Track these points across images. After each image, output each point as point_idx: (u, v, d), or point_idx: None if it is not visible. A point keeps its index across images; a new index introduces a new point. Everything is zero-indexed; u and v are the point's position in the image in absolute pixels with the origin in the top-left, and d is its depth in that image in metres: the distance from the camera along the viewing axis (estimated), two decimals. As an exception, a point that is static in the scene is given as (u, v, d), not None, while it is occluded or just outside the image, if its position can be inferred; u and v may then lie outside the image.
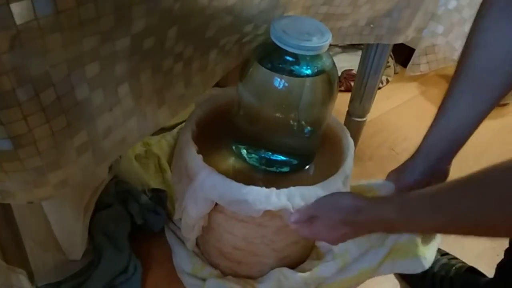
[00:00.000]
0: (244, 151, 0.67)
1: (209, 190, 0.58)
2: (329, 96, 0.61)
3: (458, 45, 0.85)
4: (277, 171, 0.67)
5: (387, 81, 1.38)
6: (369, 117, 1.32)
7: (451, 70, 1.65)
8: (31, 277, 0.61)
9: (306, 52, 0.55)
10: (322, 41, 0.55)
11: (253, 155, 0.66)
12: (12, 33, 0.32)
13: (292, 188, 0.57)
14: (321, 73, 0.59)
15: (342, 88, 1.29)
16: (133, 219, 0.79)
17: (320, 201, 0.55)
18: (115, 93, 0.47)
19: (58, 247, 0.67)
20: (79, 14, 0.36)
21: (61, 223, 0.66)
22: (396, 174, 0.61)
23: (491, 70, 0.52)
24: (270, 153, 0.65)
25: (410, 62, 0.93)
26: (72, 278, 0.69)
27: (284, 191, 0.57)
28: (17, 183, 0.42)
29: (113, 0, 0.38)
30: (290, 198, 0.56)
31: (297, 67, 0.57)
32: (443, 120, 0.56)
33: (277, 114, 0.60)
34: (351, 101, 0.95)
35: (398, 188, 0.60)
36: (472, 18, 0.84)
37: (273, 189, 0.57)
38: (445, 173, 0.59)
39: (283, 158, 0.66)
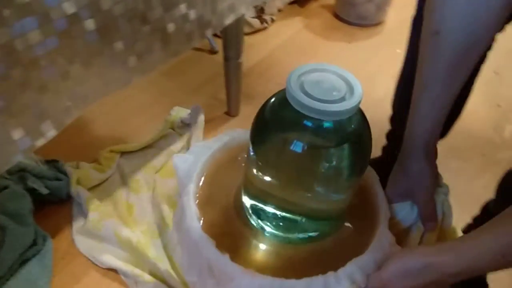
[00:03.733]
0: (257, 211, 0.55)
1: None
2: (360, 162, 0.50)
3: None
4: (301, 237, 0.55)
5: (272, 20, 1.44)
6: (258, 56, 1.39)
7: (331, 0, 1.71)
8: None
9: (332, 117, 0.44)
10: (353, 101, 0.44)
11: (267, 217, 0.54)
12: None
13: (350, 266, 0.48)
14: (350, 138, 0.47)
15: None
16: (37, 192, 0.81)
17: (385, 271, 0.46)
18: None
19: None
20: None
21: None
22: (396, 189, 0.56)
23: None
24: (287, 214, 0.53)
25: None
26: (-23, 261, 0.71)
27: (344, 272, 0.48)
28: None
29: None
30: (352, 277, 0.47)
31: (319, 133, 0.46)
32: (431, 110, 0.51)
33: (297, 183, 0.50)
34: (224, 47, 0.99)
35: (418, 205, 0.55)
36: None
37: (331, 275, 0.47)
38: (436, 154, 0.55)
39: (307, 222, 0.54)
